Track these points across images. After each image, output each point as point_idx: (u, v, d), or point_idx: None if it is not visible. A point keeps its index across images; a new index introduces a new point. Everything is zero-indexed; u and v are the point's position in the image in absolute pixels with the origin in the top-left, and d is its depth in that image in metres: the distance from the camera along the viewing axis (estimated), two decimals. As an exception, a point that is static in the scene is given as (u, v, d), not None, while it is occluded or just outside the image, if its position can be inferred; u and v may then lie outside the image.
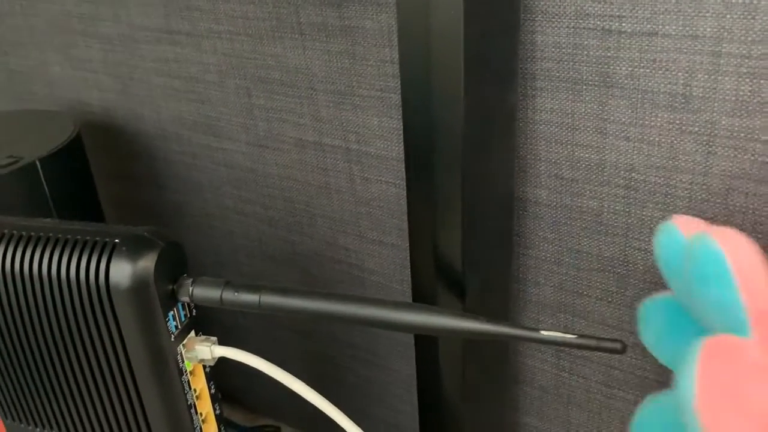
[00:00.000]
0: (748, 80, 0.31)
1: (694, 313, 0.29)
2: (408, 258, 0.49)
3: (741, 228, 0.34)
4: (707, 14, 0.31)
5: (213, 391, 0.43)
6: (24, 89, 0.66)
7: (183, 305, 0.39)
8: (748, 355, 0.22)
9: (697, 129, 0.33)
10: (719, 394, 0.22)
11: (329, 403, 0.39)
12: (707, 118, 0.33)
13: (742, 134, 0.32)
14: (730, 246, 0.25)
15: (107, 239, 0.37)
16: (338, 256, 0.52)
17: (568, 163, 0.38)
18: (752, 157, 0.32)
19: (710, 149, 0.33)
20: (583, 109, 0.36)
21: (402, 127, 0.42)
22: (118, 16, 0.54)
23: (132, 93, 0.57)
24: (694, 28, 0.32)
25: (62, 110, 0.63)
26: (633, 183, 0.36)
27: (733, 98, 0.32)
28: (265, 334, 0.62)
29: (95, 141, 0.62)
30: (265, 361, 0.39)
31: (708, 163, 0.34)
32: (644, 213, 0.37)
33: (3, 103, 0.69)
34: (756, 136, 0.32)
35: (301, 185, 0.51)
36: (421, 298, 0.40)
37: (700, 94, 0.33)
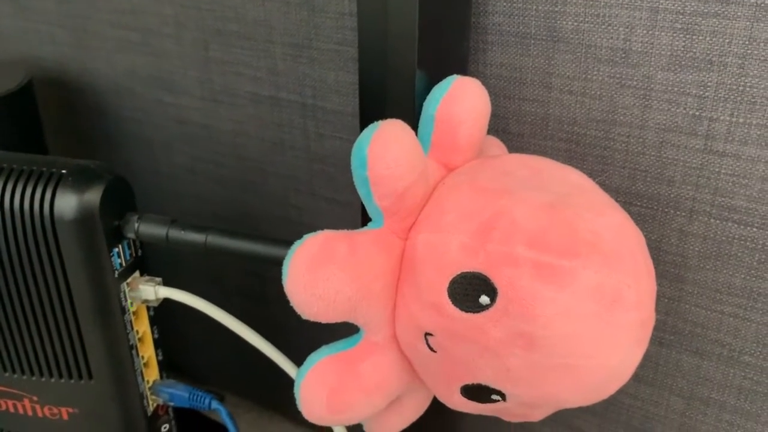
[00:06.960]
0: (682, 35, 0.33)
1: None
2: (360, 216, 0.50)
3: (672, 180, 0.36)
4: (647, -29, 0.33)
5: (156, 336, 0.43)
6: (-28, 41, 0.64)
7: (129, 244, 0.39)
8: (334, 249, 0.29)
9: (635, 83, 0.35)
10: (302, 281, 0.29)
11: (263, 339, 0.40)
12: (645, 72, 0.35)
13: (676, 88, 0.34)
14: (372, 155, 0.29)
15: (54, 170, 0.36)
16: (290, 216, 0.52)
17: (515, 117, 0.39)
18: (684, 111, 0.34)
19: (647, 103, 0.35)
20: (531, 64, 0.38)
21: (358, 81, 0.43)
22: (75, -34, 0.54)
23: (86, 46, 0.57)
24: (634, -15, 0.33)
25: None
26: (574, 137, 0.38)
27: (669, 53, 0.34)
28: (218, 301, 0.62)
29: (47, 95, 0.61)
30: (206, 301, 0.40)
31: (644, 117, 0.36)
32: (584, 167, 0.38)
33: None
34: (688, 90, 0.34)
35: (254, 142, 0.51)
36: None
37: (639, 49, 0.34)
